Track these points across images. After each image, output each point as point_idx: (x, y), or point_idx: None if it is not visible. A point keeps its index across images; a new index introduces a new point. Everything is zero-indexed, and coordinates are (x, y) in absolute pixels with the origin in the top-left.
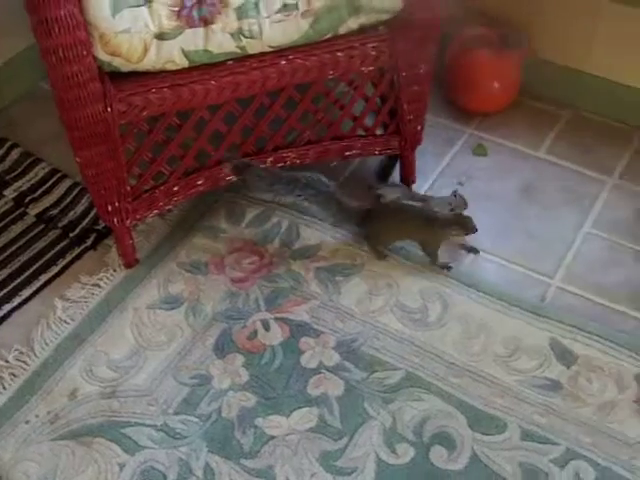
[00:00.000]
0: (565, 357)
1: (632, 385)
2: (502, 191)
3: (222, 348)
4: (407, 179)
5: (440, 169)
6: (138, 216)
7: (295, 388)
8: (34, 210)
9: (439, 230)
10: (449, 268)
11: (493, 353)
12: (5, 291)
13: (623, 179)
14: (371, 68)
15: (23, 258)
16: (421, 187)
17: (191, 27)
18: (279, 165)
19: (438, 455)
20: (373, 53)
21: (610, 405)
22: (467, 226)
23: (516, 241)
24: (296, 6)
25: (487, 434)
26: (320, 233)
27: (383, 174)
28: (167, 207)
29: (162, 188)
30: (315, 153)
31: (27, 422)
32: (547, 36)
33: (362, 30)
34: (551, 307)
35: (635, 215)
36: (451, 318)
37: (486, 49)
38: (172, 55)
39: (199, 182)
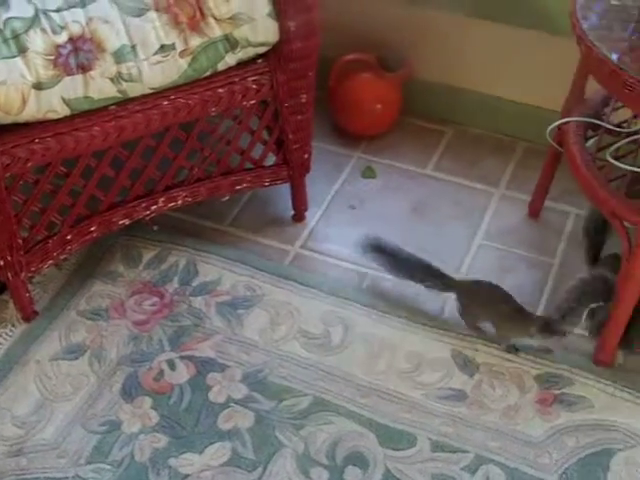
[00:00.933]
0: (467, 367)
1: (533, 386)
2: (394, 211)
3: (129, 392)
4: (299, 208)
5: (331, 195)
6: (33, 268)
7: (206, 424)
8: None
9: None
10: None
11: (398, 370)
12: None
13: (510, 189)
14: (253, 101)
15: None
16: (314, 214)
17: (69, 75)
18: (171, 205)
19: (353, 475)
20: (254, 86)
21: (514, 408)
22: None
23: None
24: (173, 46)
25: (398, 449)
26: (218, 268)
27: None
28: (62, 256)
29: (55, 238)
30: (206, 190)
31: None
32: (424, 56)
33: (241, 65)
34: (451, 319)
35: (523, 222)
36: (354, 340)
37: (366, 73)
38: (52, 104)
39: (92, 228)
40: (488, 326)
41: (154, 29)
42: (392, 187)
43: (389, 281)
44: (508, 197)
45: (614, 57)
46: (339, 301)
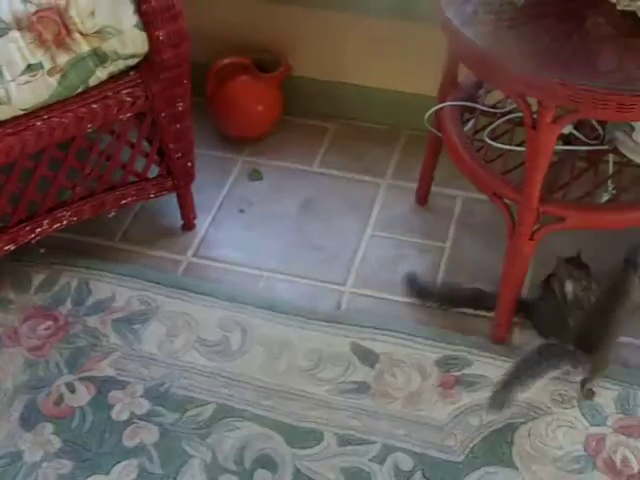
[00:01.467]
0: (368, 358)
1: (434, 371)
2: (283, 211)
3: (29, 420)
4: (188, 217)
5: (220, 201)
6: None
7: (110, 444)
8: None
9: None
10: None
11: (298, 368)
12: None
13: (396, 178)
14: (129, 114)
15: None
16: (204, 221)
17: None
18: (56, 226)
19: (262, 478)
20: (128, 99)
21: (417, 394)
22: None
23: (304, 257)
24: (41, 65)
25: (306, 448)
26: (111, 285)
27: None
28: None
29: None
30: (91, 207)
31: None
32: (301, 54)
33: (113, 78)
34: (347, 313)
35: (412, 210)
36: (253, 343)
37: (243, 76)
38: None
39: None
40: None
41: (18, 49)
42: (280, 187)
43: (283, 281)
44: (395, 186)
45: (479, 41)
46: (235, 306)
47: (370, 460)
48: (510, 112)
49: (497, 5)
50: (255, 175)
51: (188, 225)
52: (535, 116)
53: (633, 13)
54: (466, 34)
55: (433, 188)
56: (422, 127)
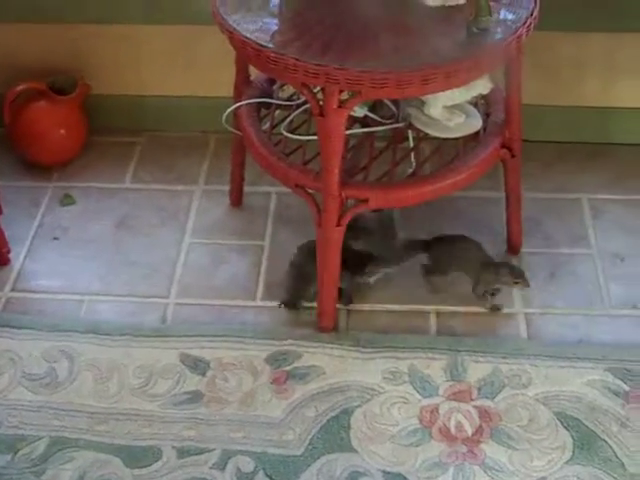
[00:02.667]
0: (198, 366)
1: (265, 369)
2: (99, 232)
3: None
4: (0, 252)
5: (33, 231)
6: None
7: None
8: None
9: (492, 274)
10: (499, 309)
11: (130, 387)
12: None
13: (209, 183)
14: None
15: None
16: (18, 254)
17: None
18: None
19: None
20: None
21: (250, 395)
22: (518, 275)
23: (124, 275)
24: None
25: (145, 466)
26: None
27: None
28: None
29: None
30: None
31: None
32: (100, 71)
33: None
34: (173, 325)
35: (228, 213)
36: (80, 370)
37: (41, 101)
38: None
39: None
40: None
41: None
42: (94, 209)
43: (106, 303)
44: (209, 192)
45: (254, 37)
46: (59, 335)
47: (211, 468)
48: (305, 103)
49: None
50: (67, 200)
51: (2, 260)
52: (321, 103)
53: None
54: (242, 32)
55: (247, 188)
56: (228, 129)
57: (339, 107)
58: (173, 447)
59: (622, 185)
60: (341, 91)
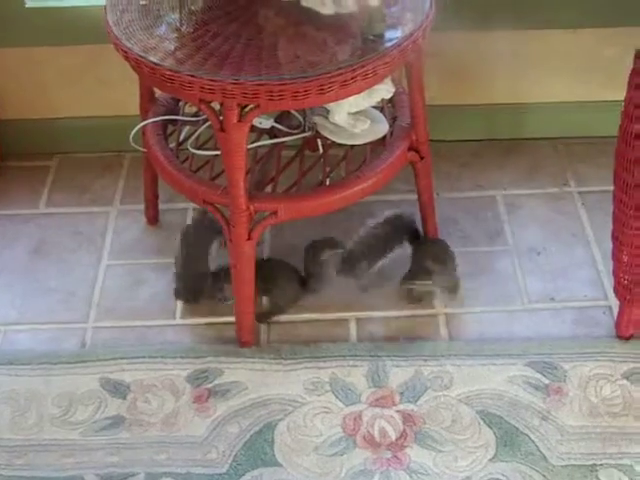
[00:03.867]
0: (118, 390)
1: (186, 388)
2: (14, 260)
3: None
4: None
5: None
6: None
7: None
8: None
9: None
10: (420, 300)
11: (49, 417)
12: None
13: (124, 203)
14: None
15: None
16: None
17: None
18: None
19: None
20: None
21: (173, 415)
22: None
23: (41, 302)
24: None
25: None
26: None
27: None
28: None
29: None
30: None
31: None
32: (7, 95)
33: None
34: (92, 349)
35: (144, 232)
36: None
37: None
38: None
39: None
40: None
41: None
42: (7, 236)
43: (23, 332)
44: (125, 212)
45: (149, 55)
46: None
47: None
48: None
49: (164, 18)
50: None
51: None
52: (222, 118)
53: (297, 2)
54: (137, 51)
55: (163, 205)
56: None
57: (239, 121)
58: (96, 474)
59: (534, 179)
60: (239, 105)
